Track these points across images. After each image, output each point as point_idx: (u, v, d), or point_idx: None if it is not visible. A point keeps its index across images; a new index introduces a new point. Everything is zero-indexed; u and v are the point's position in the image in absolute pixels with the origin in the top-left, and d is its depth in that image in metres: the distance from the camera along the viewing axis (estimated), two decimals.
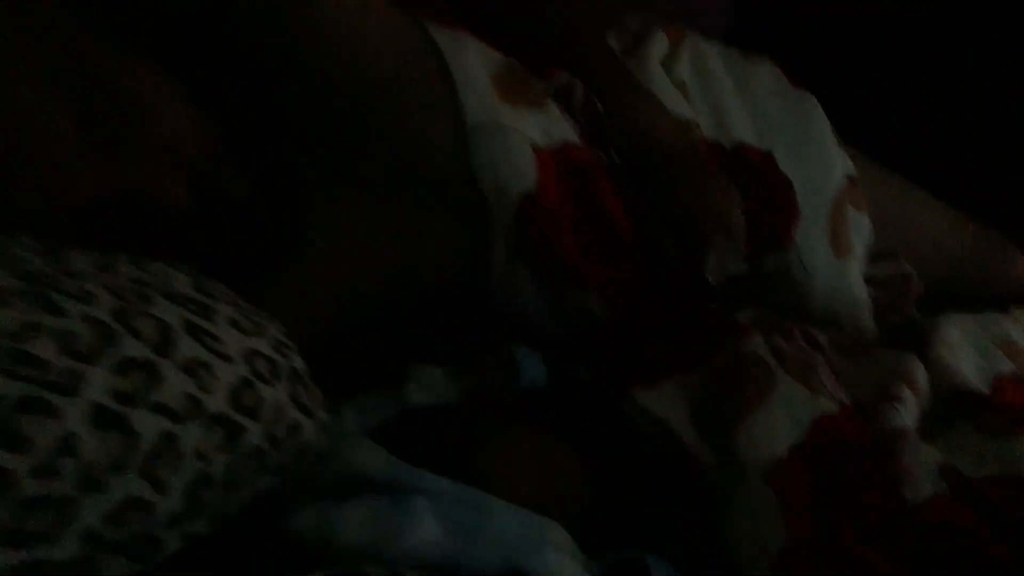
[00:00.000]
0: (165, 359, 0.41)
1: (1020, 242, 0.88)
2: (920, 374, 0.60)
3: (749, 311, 0.69)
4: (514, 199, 0.64)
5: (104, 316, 0.41)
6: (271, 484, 0.47)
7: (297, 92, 0.64)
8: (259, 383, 0.45)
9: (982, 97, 0.97)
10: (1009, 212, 0.88)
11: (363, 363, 0.62)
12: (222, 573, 0.44)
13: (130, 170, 0.54)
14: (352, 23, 0.62)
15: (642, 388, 0.55)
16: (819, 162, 0.76)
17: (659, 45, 0.80)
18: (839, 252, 0.74)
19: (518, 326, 0.69)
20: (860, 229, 0.76)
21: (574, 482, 0.52)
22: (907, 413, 0.53)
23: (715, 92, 0.79)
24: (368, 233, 0.67)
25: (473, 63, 0.66)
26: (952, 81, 0.99)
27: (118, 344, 0.40)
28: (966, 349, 0.66)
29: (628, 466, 0.54)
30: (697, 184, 0.69)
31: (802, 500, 0.47)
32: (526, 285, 0.67)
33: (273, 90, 0.64)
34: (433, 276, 0.69)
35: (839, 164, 0.76)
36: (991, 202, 0.87)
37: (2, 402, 0.34)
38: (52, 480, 0.35)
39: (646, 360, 0.58)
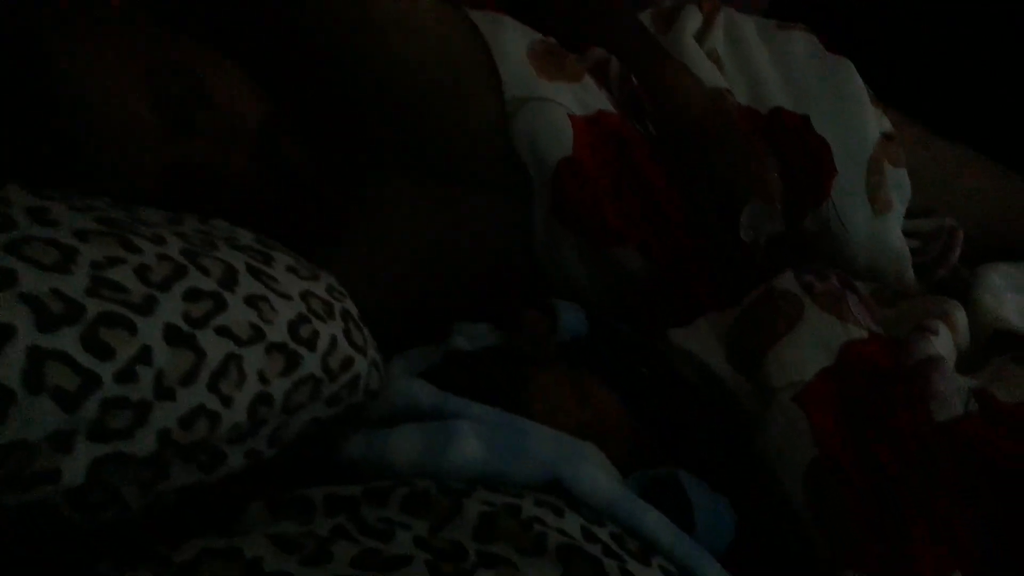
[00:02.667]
0: (229, 292, 0.45)
1: None
2: (959, 316, 0.60)
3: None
4: (552, 164, 0.66)
5: (175, 255, 0.45)
6: (326, 414, 0.51)
7: (354, 81, 0.68)
8: (315, 319, 0.49)
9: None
10: None
11: (412, 327, 0.65)
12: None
13: (196, 143, 0.59)
14: (404, 16, 0.67)
15: (677, 328, 0.57)
16: (854, 122, 0.76)
17: (692, 19, 0.82)
18: (878, 208, 0.74)
19: (562, 291, 0.71)
20: (899, 185, 0.76)
21: (612, 417, 0.54)
22: (941, 344, 0.53)
23: (749, 60, 0.80)
24: (418, 208, 0.71)
25: (510, 39, 0.70)
26: (991, 37, 0.97)
27: (187, 277, 0.44)
28: (1007, 293, 0.65)
29: (665, 403, 0.56)
30: (731, 148, 0.70)
31: (831, 418, 0.48)
32: (566, 246, 0.70)
33: (333, 76, 0.69)
34: (479, 247, 0.72)
35: (874, 123, 0.76)
36: None
37: (85, 315, 0.39)
38: (132, 385, 0.39)
39: (681, 305, 0.59)
